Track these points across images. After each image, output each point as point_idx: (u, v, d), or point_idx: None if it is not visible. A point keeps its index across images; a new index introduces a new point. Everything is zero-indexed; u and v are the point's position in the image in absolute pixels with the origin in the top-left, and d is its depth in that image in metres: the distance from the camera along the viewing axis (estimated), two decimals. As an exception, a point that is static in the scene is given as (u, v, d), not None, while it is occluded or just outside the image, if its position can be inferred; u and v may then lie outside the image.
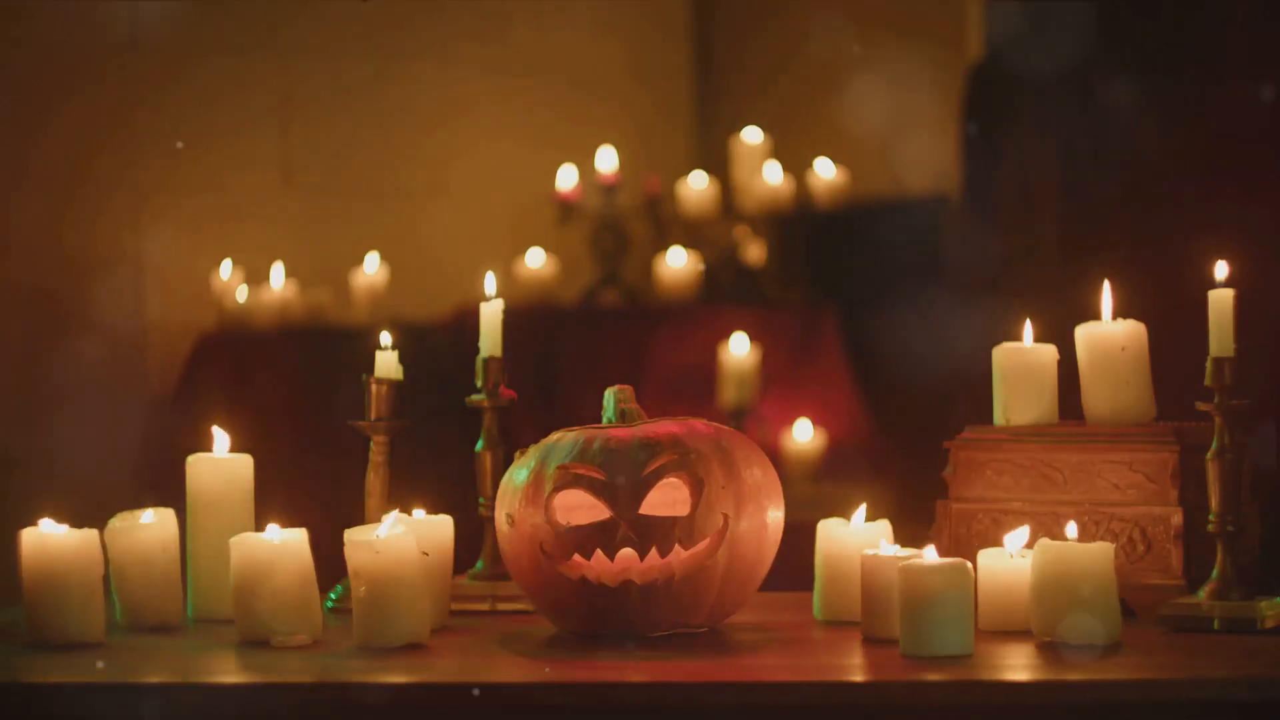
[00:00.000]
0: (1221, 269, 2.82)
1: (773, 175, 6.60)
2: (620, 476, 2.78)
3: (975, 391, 3.30)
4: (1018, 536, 2.86)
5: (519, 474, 2.84)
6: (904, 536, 2.95)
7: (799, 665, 2.67)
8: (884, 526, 2.95)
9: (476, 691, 2.49)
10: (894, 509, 3.04)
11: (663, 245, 6.59)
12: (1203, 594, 2.81)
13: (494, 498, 2.95)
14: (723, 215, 6.66)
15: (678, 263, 6.49)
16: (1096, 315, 3.03)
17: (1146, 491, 2.94)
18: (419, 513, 3.01)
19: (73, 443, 5.84)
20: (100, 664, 2.66)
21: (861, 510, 2.96)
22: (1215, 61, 5.26)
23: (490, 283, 3.17)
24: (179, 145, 6.14)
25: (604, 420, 2.92)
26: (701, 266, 6.50)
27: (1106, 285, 3.02)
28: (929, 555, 2.69)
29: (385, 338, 3.15)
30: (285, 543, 2.82)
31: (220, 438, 3.08)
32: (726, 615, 2.87)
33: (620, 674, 2.59)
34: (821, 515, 3.00)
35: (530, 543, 2.81)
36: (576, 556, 2.78)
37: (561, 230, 6.57)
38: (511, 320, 3.21)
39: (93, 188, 6.10)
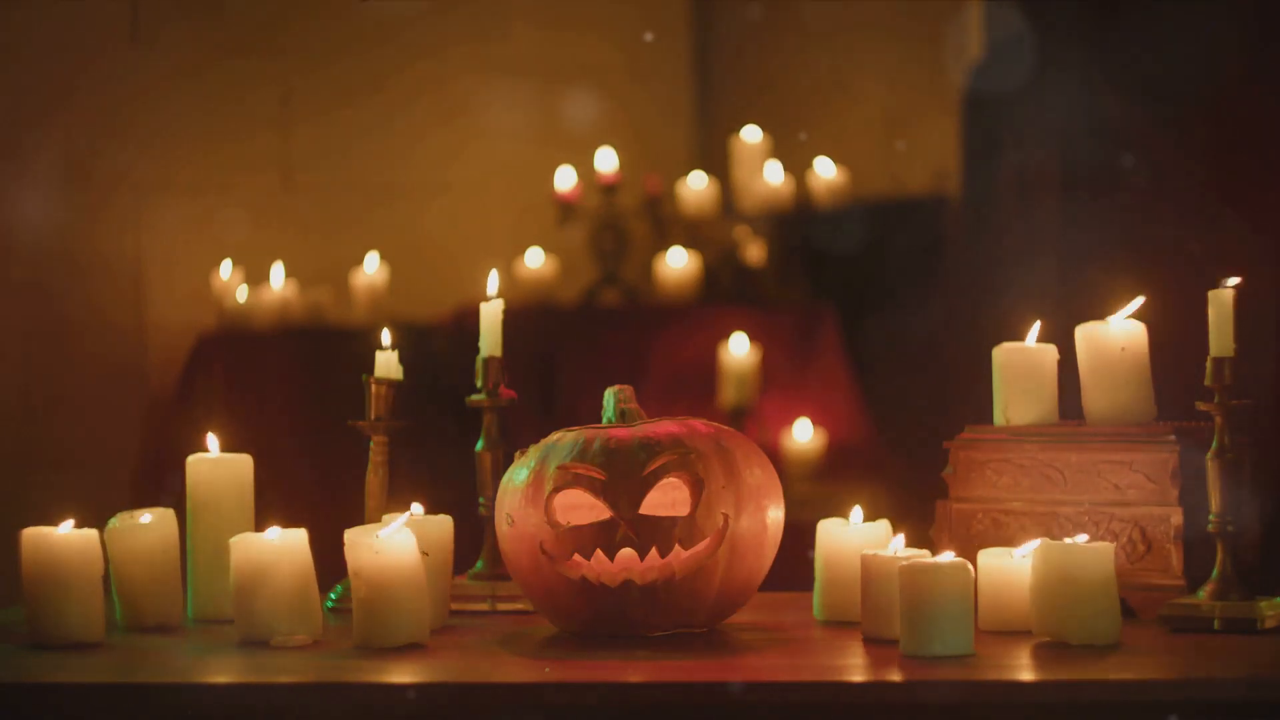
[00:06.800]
0: (1231, 280, 2.82)
1: (773, 175, 6.60)
2: (620, 476, 2.78)
3: (975, 391, 3.30)
4: (1028, 548, 2.85)
5: (519, 474, 2.84)
6: (904, 536, 2.95)
7: (799, 665, 2.67)
8: (884, 526, 2.95)
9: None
10: (894, 509, 3.04)
11: (663, 245, 6.59)
12: (1203, 594, 2.81)
13: (494, 498, 2.95)
14: (723, 215, 6.66)
15: (678, 263, 6.50)
16: (1096, 315, 3.03)
17: (1146, 491, 2.94)
18: (416, 506, 3.00)
19: (73, 443, 5.85)
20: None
21: (858, 510, 2.96)
22: (1216, 60, 5.26)
23: (493, 281, 3.17)
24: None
25: (604, 420, 2.92)
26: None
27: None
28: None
29: (385, 337, 3.15)
30: (285, 543, 2.82)
31: (213, 443, 3.07)
32: (726, 615, 2.87)
33: (620, 674, 2.59)
34: (821, 515, 3.00)
35: (530, 543, 2.81)
36: (576, 556, 2.78)
37: (561, 230, 6.57)
38: (511, 320, 3.21)
39: (94, 188, 6.11)
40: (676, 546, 2.77)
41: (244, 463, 3.06)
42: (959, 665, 2.57)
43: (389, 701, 2.52)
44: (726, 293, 6.55)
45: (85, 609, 2.81)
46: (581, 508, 2.79)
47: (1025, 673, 2.57)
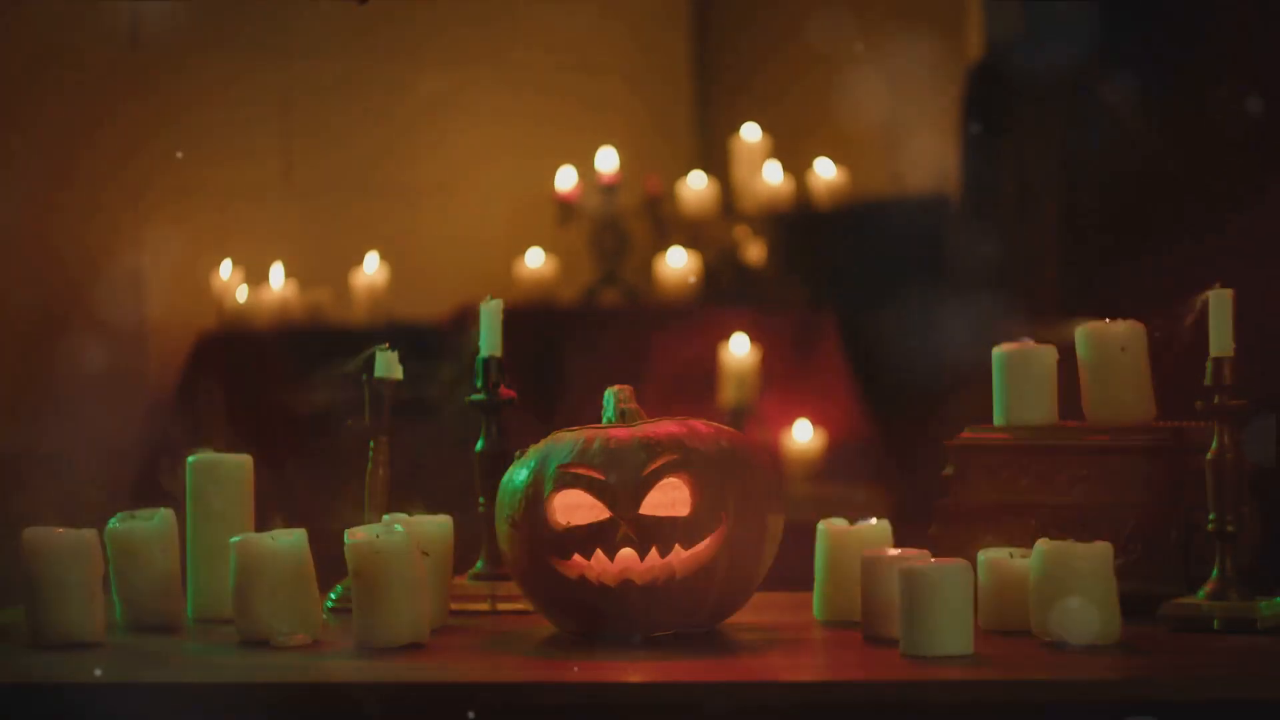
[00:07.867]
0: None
1: (773, 175, 6.60)
2: (620, 477, 2.77)
3: (975, 391, 3.30)
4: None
5: (519, 474, 2.84)
6: (904, 536, 2.95)
7: (799, 665, 2.67)
8: (884, 526, 2.95)
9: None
10: (894, 509, 3.04)
11: (663, 245, 6.60)
12: (1203, 594, 2.81)
13: (494, 498, 2.95)
14: (723, 215, 6.66)
15: (678, 263, 6.50)
16: (1096, 315, 3.03)
17: (1146, 491, 2.94)
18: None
19: (73, 443, 5.84)
20: (98, 672, 2.65)
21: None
22: (1217, 60, 5.26)
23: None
24: (179, 155, 6.14)
25: (604, 420, 2.92)
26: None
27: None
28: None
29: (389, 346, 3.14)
30: (285, 543, 2.82)
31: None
32: (726, 615, 2.87)
33: (620, 674, 2.59)
34: (821, 515, 3.00)
35: (530, 543, 2.81)
36: (576, 556, 2.78)
37: (561, 230, 6.57)
38: (511, 320, 3.21)
39: (94, 188, 6.10)
40: (676, 546, 2.77)
41: (244, 463, 3.06)
42: (959, 665, 2.57)
43: (389, 701, 2.52)
44: (726, 293, 6.55)
45: (85, 609, 2.81)
46: (581, 508, 2.79)
47: (1025, 673, 2.57)
